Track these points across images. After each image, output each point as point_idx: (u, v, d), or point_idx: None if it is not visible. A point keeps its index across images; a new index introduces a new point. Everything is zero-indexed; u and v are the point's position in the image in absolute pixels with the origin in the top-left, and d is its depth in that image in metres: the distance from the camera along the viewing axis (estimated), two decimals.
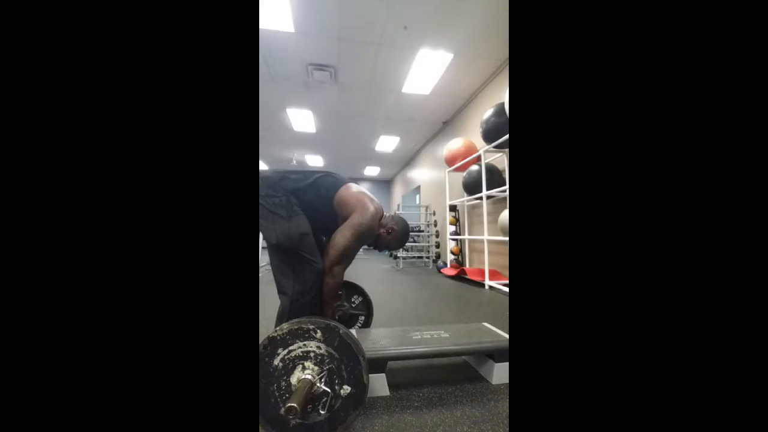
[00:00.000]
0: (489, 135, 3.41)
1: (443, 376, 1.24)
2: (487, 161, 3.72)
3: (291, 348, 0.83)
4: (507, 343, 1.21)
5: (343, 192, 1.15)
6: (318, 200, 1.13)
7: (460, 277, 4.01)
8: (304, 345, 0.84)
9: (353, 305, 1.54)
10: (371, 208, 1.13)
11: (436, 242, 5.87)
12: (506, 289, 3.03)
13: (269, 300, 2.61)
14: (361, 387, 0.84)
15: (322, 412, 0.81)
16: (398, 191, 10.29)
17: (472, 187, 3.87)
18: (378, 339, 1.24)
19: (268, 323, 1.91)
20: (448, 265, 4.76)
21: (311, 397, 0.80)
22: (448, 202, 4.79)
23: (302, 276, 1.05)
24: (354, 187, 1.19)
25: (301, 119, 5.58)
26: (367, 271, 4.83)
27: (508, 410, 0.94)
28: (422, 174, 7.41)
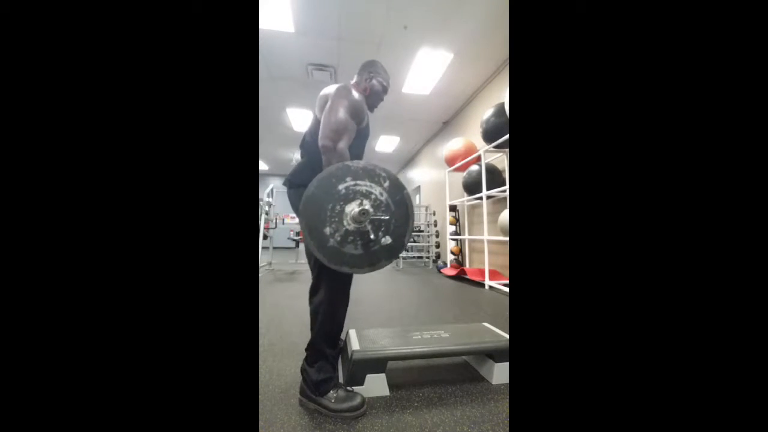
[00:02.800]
0: (489, 135, 3.41)
1: (443, 376, 1.24)
2: (487, 161, 3.72)
3: (359, 182, 0.87)
4: (507, 343, 1.21)
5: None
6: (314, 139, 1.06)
7: (460, 277, 4.01)
8: (371, 186, 0.87)
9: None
10: (342, 85, 1.08)
11: (436, 242, 5.87)
12: (506, 289, 3.02)
13: (269, 300, 2.61)
14: (400, 245, 0.91)
15: (358, 249, 0.87)
16: None
17: (472, 187, 3.86)
18: (378, 339, 1.24)
19: (268, 323, 1.92)
20: (448, 265, 4.76)
21: (357, 228, 0.86)
22: (448, 202, 4.78)
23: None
24: None
25: (301, 119, 5.58)
26: None
27: (508, 410, 0.94)
28: (422, 174, 7.41)
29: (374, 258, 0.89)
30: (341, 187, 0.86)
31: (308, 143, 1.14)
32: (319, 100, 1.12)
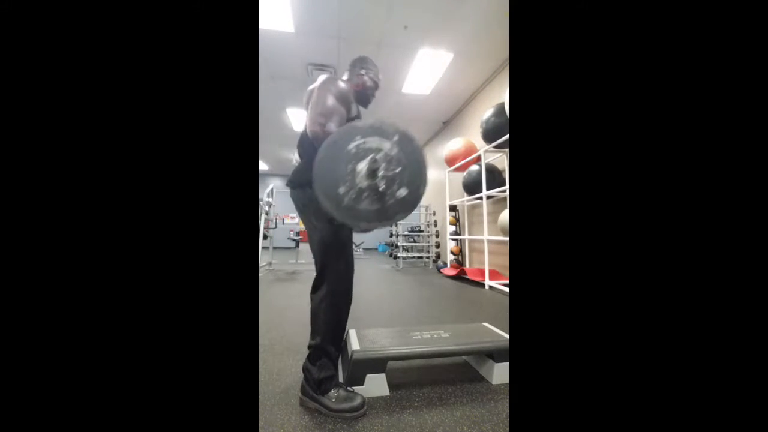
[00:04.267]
0: (489, 135, 3.41)
1: (443, 376, 1.24)
2: (487, 161, 3.72)
3: (367, 140, 0.87)
4: (507, 343, 1.21)
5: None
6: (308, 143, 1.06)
7: (460, 277, 4.01)
8: (381, 141, 0.88)
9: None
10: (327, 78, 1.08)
11: (436, 242, 5.87)
12: (506, 289, 3.02)
13: (269, 300, 2.61)
14: (415, 196, 0.90)
15: (374, 204, 0.88)
16: None
17: (472, 187, 3.86)
18: (378, 339, 1.24)
19: (268, 323, 1.92)
20: (448, 265, 4.76)
21: (371, 183, 0.86)
22: (448, 202, 4.79)
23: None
24: None
25: (301, 119, 5.58)
26: (367, 271, 4.83)
27: (508, 410, 0.94)
28: None
29: (390, 211, 0.90)
30: (351, 146, 0.86)
31: (305, 143, 1.14)
32: (307, 95, 1.13)
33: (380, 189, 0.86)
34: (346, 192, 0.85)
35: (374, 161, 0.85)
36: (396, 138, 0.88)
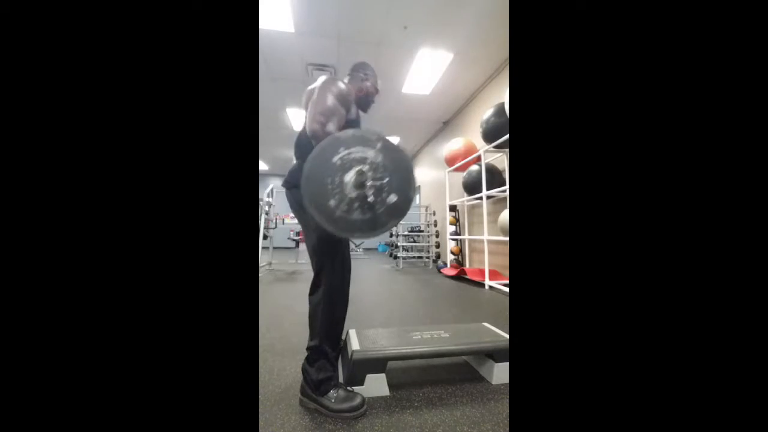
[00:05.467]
0: (489, 135, 3.41)
1: (443, 376, 1.24)
2: (487, 161, 3.72)
3: (351, 150, 0.88)
4: (507, 343, 1.21)
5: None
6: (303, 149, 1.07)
7: (460, 277, 4.01)
8: (364, 151, 0.88)
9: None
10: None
11: (436, 242, 5.87)
12: (506, 289, 3.02)
13: (269, 300, 2.61)
14: (406, 201, 0.91)
15: (366, 214, 0.89)
16: None
17: (472, 187, 3.86)
18: (378, 339, 1.24)
19: (268, 323, 1.92)
20: (448, 265, 4.76)
21: (360, 193, 0.87)
22: (448, 202, 4.78)
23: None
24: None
25: (301, 119, 5.57)
26: (367, 271, 4.83)
27: (508, 410, 0.94)
28: (422, 174, 7.41)
29: (382, 219, 0.90)
30: (336, 159, 0.87)
31: (302, 144, 1.15)
32: (306, 95, 1.13)
33: (369, 199, 0.87)
34: (337, 204, 0.86)
35: (361, 173, 0.85)
36: (379, 146, 0.89)
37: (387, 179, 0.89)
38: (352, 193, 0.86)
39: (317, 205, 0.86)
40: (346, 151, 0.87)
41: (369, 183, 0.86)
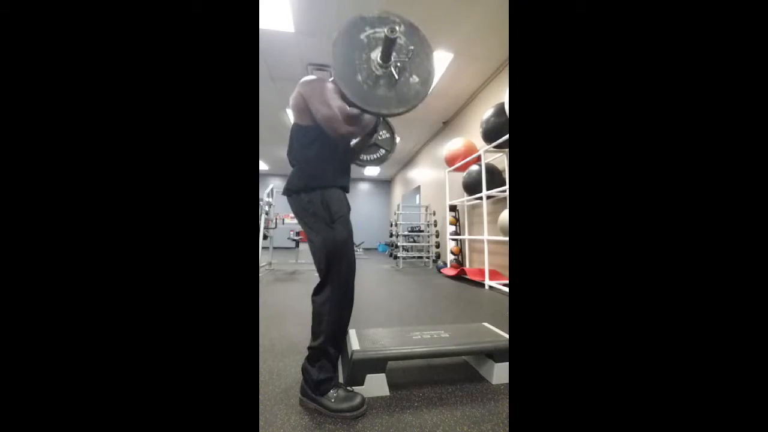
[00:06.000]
0: (489, 135, 3.41)
1: (443, 376, 1.24)
2: (487, 161, 3.72)
3: (377, 30, 0.92)
4: (507, 343, 1.21)
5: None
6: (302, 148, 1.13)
7: (460, 277, 4.01)
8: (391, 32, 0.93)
9: (380, 137, 1.57)
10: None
11: (436, 242, 5.87)
12: (506, 289, 3.02)
13: (269, 300, 2.61)
14: (426, 81, 0.96)
15: (391, 91, 0.93)
16: (398, 191, 10.29)
17: (472, 187, 3.86)
18: (378, 339, 1.24)
19: (268, 323, 1.92)
20: (448, 265, 4.76)
21: (385, 71, 0.91)
22: (448, 202, 4.78)
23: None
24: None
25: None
26: (367, 271, 4.83)
27: (508, 410, 0.94)
28: (422, 174, 7.41)
29: (405, 97, 0.94)
30: (362, 36, 0.91)
31: (295, 150, 1.16)
32: (293, 99, 1.14)
33: (395, 75, 0.91)
34: (364, 80, 0.91)
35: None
36: (402, 28, 0.93)
37: (409, 58, 0.93)
38: (378, 71, 0.90)
39: (346, 81, 0.90)
40: (372, 30, 0.92)
41: (393, 58, 0.90)
